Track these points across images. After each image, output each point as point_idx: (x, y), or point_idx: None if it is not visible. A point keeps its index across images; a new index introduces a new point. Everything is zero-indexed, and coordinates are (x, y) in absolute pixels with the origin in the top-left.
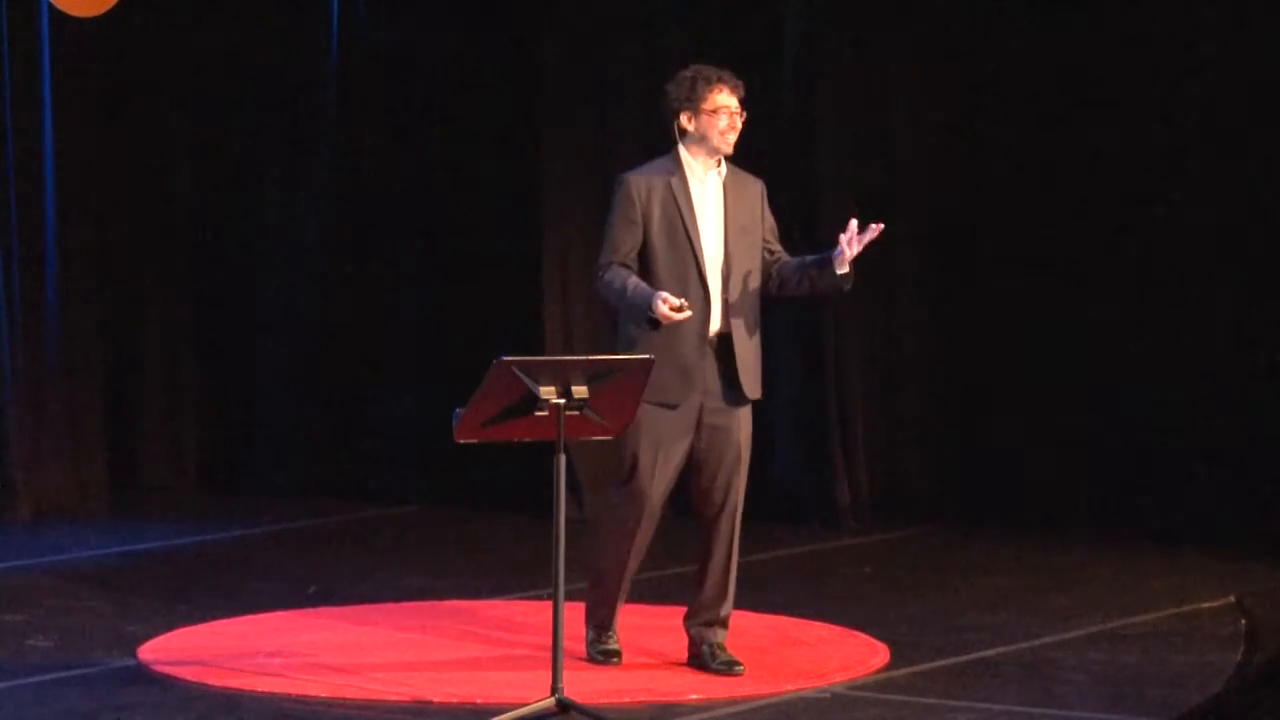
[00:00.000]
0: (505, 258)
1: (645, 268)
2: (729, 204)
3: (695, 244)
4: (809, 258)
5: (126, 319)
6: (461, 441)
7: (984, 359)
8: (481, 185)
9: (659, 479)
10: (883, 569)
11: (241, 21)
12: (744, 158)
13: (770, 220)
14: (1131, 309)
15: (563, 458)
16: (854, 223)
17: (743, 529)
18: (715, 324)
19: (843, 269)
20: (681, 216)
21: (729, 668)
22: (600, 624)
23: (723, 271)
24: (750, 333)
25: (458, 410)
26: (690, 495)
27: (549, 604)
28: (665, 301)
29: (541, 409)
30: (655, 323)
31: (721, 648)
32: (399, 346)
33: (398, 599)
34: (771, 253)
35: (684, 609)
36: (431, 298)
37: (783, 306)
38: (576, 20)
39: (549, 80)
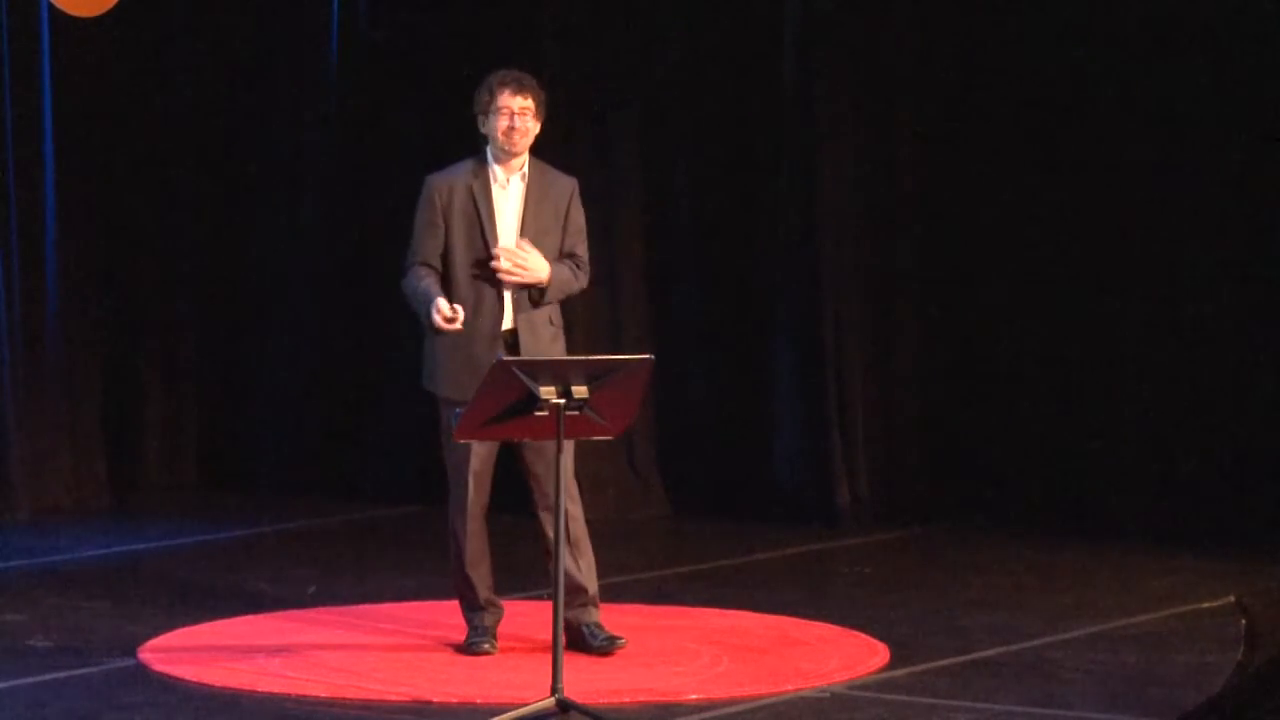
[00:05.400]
0: None
1: (446, 268)
2: (529, 205)
3: (491, 245)
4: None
5: (126, 319)
6: (461, 441)
7: (983, 360)
8: None
9: (475, 474)
10: (883, 569)
11: (241, 21)
12: (746, 158)
13: (576, 220)
14: (1131, 309)
15: (563, 458)
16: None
17: (742, 528)
18: (507, 321)
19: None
20: (480, 218)
21: (611, 643)
22: (470, 609)
23: None
24: (541, 328)
25: (458, 410)
26: (529, 490)
27: (549, 604)
28: (439, 311)
29: (541, 409)
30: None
31: (599, 626)
32: (399, 346)
33: (398, 599)
34: (571, 255)
35: (684, 609)
36: None
37: (782, 307)
38: (576, 21)
39: (548, 81)
